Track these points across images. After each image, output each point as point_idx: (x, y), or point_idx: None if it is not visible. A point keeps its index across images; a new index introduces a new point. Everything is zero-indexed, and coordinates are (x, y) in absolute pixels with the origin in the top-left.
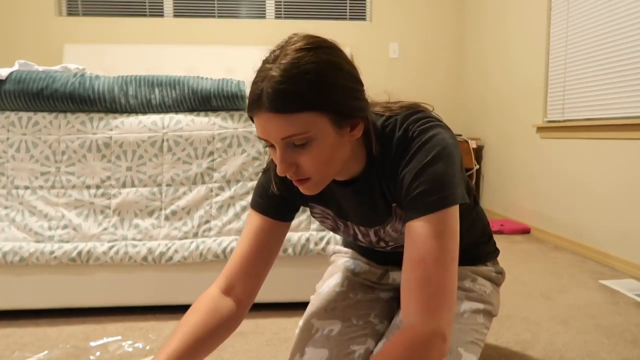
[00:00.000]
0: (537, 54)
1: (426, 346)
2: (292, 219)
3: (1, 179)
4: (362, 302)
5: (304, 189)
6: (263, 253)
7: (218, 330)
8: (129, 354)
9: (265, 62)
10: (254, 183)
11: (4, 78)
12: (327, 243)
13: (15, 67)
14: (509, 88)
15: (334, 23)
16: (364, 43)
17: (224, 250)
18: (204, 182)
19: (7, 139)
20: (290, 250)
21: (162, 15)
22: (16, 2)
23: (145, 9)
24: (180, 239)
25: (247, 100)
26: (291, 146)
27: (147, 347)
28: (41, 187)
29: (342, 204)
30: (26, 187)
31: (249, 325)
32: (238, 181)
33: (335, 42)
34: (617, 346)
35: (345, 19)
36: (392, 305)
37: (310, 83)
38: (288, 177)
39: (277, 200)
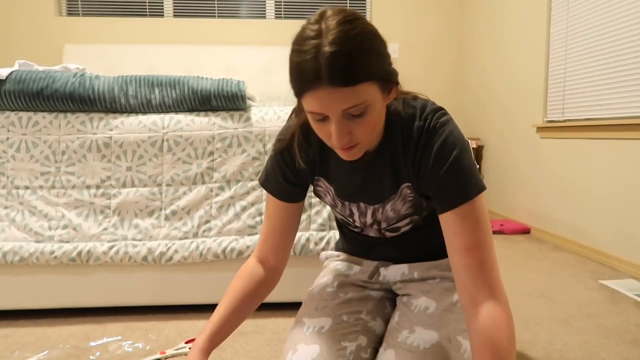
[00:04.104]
0: (537, 54)
1: (507, 318)
2: (303, 198)
3: (1, 179)
4: (353, 300)
5: (349, 155)
6: (284, 228)
7: (256, 294)
8: (129, 354)
9: (306, 38)
10: (254, 183)
11: (4, 78)
12: (327, 243)
13: (15, 67)
14: (509, 88)
15: None
16: None
17: (224, 250)
18: (204, 182)
19: (7, 139)
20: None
21: (162, 15)
22: (16, 2)
23: (145, 9)
24: (180, 239)
25: (297, 78)
26: (347, 116)
27: (147, 347)
28: (41, 187)
29: (344, 181)
30: (26, 187)
31: (249, 325)
32: (238, 181)
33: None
34: (617, 346)
35: None
36: (384, 303)
37: (365, 54)
38: (336, 145)
39: (287, 187)
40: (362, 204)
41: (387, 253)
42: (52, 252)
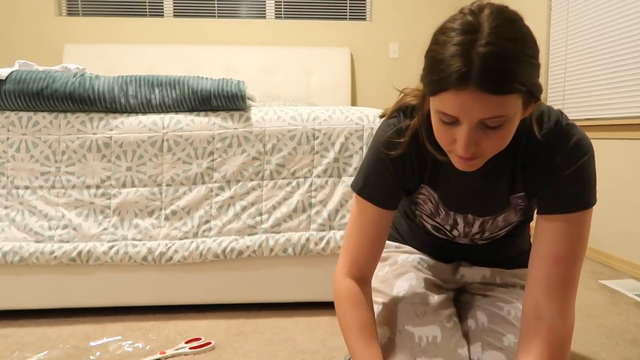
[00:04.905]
0: None
1: (568, 342)
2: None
3: (1, 179)
4: (442, 303)
5: (467, 166)
6: (381, 236)
7: (372, 315)
8: (129, 354)
9: (457, 30)
10: (254, 183)
11: (4, 78)
12: (327, 243)
13: (15, 67)
14: None
15: (334, 23)
16: (364, 43)
17: (224, 250)
18: (204, 182)
19: (7, 139)
20: (290, 250)
21: (162, 15)
22: (16, 2)
23: (145, 9)
24: (180, 239)
25: (439, 73)
26: (481, 126)
27: (147, 347)
28: (41, 187)
29: (454, 191)
30: (26, 187)
31: (249, 325)
32: (238, 181)
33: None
34: (617, 346)
35: (345, 19)
36: (454, 304)
37: (523, 63)
38: (459, 153)
39: (392, 192)
40: (470, 216)
41: (466, 257)
42: (52, 252)
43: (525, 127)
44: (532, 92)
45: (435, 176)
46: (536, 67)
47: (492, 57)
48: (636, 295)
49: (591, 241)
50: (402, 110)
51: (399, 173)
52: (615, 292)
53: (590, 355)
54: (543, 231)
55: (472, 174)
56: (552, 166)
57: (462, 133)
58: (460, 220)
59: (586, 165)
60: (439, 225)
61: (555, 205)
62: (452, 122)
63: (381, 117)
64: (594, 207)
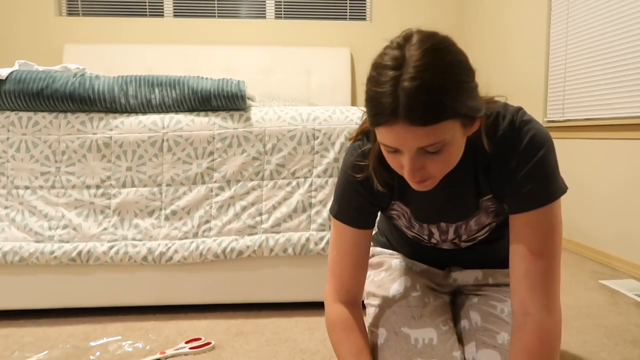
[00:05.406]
0: (537, 54)
1: (557, 335)
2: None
3: (1, 179)
4: (438, 306)
5: (421, 187)
6: (363, 258)
7: (365, 339)
8: (129, 354)
9: (385, 67)
10: (254, 183)
11: (4, 78)
12: (327, 243)
13: (15, 67)
14: (509, 88)
15: (334, 23)
16: (364, 43)
17: (224, 250)
18: (204, 182)
19: (7, 139)
20: (290, 250)
21: (162, 15)
22: (16, 2)
23: (145, 9)
24: (180, 239)
25: (372, 110)
26: (422, 152)
27: (147, 347)
28: (41, 187)
29: (423, 204)
30: (26, 187)
31: (249, 325)
32: (238, 181)
33: (441, 33)
34: (617, 346)
35: (345, 19)
36: (449, 307)
37: (450, 91)
38: (408, 179)
39: (366, 211)
40: (442, 224)
41: (457, 261)
42: (52, 252)
43: (480, 133)
44: (468, 115)
45: (404, 192)
46: (470, 89)
47: (416, 91)
48: (636, 295)
49: (591, 241)
50: (366, 134)
51: (369, 193)
52: (615, 292)
53: (590, 355)
54: (515, 230)
55: (437, 187)
56: (510, 167)
57: (405, 161)
58: (434, 229)
59: (543, 159)
60: (416, 235)
61: (520, 204)
62: (395, 151)
63: (349, 140)
64: (593, 207)
